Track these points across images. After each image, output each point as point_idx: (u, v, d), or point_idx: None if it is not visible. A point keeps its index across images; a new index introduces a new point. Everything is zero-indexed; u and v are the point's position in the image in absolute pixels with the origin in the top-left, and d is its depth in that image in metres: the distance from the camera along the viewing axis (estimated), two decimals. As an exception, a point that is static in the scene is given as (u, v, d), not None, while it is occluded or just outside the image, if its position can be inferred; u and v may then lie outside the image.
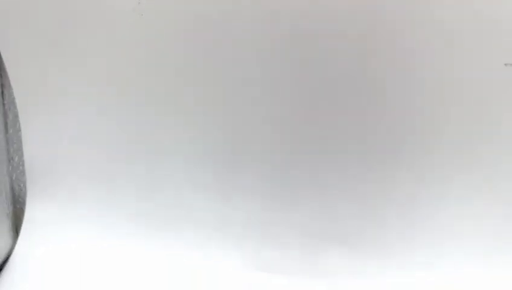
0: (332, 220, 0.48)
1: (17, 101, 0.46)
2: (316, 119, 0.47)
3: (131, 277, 0.47)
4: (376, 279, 0.48)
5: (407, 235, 0.49)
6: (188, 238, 0.50)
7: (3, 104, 0.47)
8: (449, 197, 0.48)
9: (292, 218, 0.49)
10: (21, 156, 0.49)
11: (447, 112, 0.44)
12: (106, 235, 0.50)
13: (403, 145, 0.46)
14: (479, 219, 0.48)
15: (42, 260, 0.48)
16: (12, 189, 0.50)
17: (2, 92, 0.47)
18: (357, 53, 0.44)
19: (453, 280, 0.48)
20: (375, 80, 0.45)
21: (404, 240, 0.49)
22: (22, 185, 0.51)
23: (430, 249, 0.49)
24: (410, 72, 0.44)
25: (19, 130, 0.48)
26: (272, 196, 0.49)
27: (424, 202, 0.48)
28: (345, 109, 0.46)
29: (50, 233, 0.49)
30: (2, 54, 0.44)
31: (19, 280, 0.47)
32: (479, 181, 0.47)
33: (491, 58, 0.40)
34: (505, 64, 0.40)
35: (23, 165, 0.49)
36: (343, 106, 0.46)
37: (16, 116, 0.47)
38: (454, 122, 0.44)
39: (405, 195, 0.48)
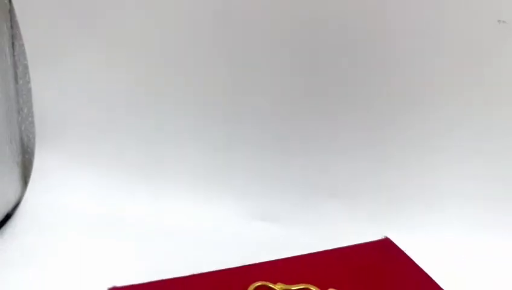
0: (328, 173, 0.50)
1: (27, 52, 0.48)
2: (316, 76, 0.48)
3: (134, 225, 0.49)
4: (368, 231, 0.50)
5: (401, 191, 0.51)
6: (189, 190, 0.52)
7: (13, 55, 0.48)
8: (447, 156, 0.50)
9: (289, 171, 0.51)
10: (30, 107, 0.51)
11: (443, 66, 0.46)
12: (111, 186, 0.52)
13: (399, 102, 0.48)
14: (478, 178, 0.50)
15: (50, 207, 0.50)
16: (21, 139, 0.52)
17: (13, 44, 0.48)
18: (355, 14, 0.45)
19: (449, 240, 0.50)
20: (371, 38, 0.46)
21: (399, 196, 0.51)
22: (30, 135, 0.52)
23: (426, 208, 0.51)
24: (405, 28, 0.45)
25: (29, 81, 0.49)
26: (271, 151, 0.51)
27: (421, 159, 0.50)
28: (344, 70, 0.48)
29: (58, 182, 0.51)
30: (13, 5, 0.46)
31: (28, 226, 0.49)
32: (478, 138, 0.49)
33: (486, 14, 0.42)
34: (498, 21, 0.42)
35: (32, 116, 0.51)
36: (343, 66, 0.48)
37: (26, 67, 0.49)
38: (450, 77, 0.46)
39: (400, 153, 0.50)
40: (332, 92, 0.49)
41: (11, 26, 0.47)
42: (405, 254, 0.34)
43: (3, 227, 0.47)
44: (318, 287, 0.28)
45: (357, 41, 0.46)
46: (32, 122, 0.51)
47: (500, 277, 0.47)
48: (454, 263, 0.47)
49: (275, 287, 0.28)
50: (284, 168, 0.50)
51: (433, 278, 0.32)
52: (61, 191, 0.51)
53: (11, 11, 0.46)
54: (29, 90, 0.50)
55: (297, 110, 0.49)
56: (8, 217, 0.49)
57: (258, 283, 0.28)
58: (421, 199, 0.52)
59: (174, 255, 0.44)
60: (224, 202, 0.51)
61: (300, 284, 0.29)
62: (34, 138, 0.52)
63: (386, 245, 0.35)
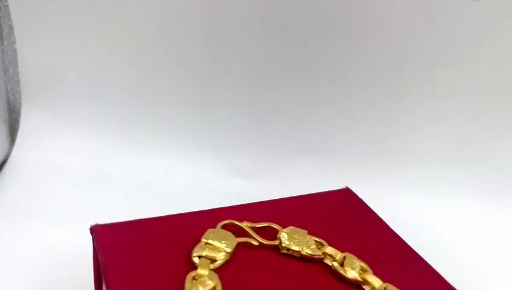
0: (300, 132, 0.54)
1: (12, 13, 0.49)
2: (290, 41, 0.51)
3: (116, 179, 0.52)
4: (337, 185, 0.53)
5: (369, 148, 0.55)
6: (171, 147, 0.55)
7: (-1, 16, 0.50)
8: (415, 116, 0.53)
9: (264, 132, 0.54)
10: (16, 68, 0.53)
11: (416, 33, 0.49)
12: (95, 142, 0.54)
13: (370, 62, 0.51)
14: (444, 139, 0.53)
15: (36, 163, 0.53)
16: (7, 99, 0.54)
17: (-2, 5, 0.49)
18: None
19: (412, 198, 0.54)
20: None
21: (367, 153, 0.55)
22: (16, 95, 0.54)
23: (393, 166, 0.55)
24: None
25: (14, 42, 0.51)
26: (247, 111, 0.54)
27: (389, 119, 0.54)
28: (316, 34, 0.50)
29: (44, 139, 0.54)
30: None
31: (15, 181, 0.52)
32: (446, 100, 0.52)
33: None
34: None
35: (17, 76, 0.53)
36: (315, 30, 0.50)
37: (11, 28, 0.50)
38: (422, 42, 0.49)
39: (370, 112, 0.53)
40: (304, 54, 0.51)
41: (-4, -13, 0.49)
42: (363, 202, 0.38)
43: (-8, 182, 0.50)
44: (280, 225, 0.32)
45: (330, 6, 0.49)
46: (18, 82, 0.53)
47: (452, 232, 0.51)
48: (413, 218, 0.51)
49: (241, 225, 0.31)
50: (259, 128, 0.53)
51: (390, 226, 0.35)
52: (47, 148, 0.53)
53: (-5, -28, 0.48)
54: (14, 51, 0.51)
55: (273, 72, 0.52)
56: (-4, 172, 0.51)
57: (226, 221, 0.31)
58: (388, 157, 0.55)
59: (154, 205, 0.46)
60: (203, 159, 0.54)
61: (264, 223, 0.32)
62: (20, 98, 0.54)
63: (346, 194, 0.38)
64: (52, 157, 0.52)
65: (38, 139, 0.53)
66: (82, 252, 0.38)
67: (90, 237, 0.32)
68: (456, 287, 0.29)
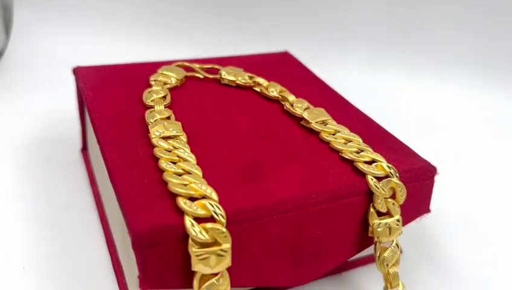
0: (260, 20, 0.61)
1: None
2: None
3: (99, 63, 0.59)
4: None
5: (316, 33, 0.62)
6: (141, 35, 0.63)
7: None
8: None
9: (226, 19, 0.61)
10: (6, -32, 0.59)
11: None
12: (78, 33, 0.62)
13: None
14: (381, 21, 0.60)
15: (29, 53, 0.61)
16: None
17: None
18: None
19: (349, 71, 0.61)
20: None
21: (312, 37, 0.62)
22: (8, -5, 0.61)
23: (337, 46, 0.62)
24: None
25: None
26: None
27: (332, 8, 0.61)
28: None
29: (35, 32, 0.61)
30: None
31: (12, 67, 0.59)
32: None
33: None
34: None
35: (8, -24, 0.60)
36: None
37: None
38: None
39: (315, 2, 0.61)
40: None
41: None
42: (299, 61, 0.46)
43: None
44: (222, 66, 0.40)
45: None
46: (8, -18, 0.60)
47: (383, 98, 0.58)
48: (351, 87, 0.57)
49: (190, 65, 0.39)
50: (222, 16, 0.61)
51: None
52: (38, 40, 0.61)
53: None
54: (3, -48, 0.58)
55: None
56: (-5, 61, 0.59)
57: (179, 63, 0.40)
58: (337, 41, 0.63)
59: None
60: (171, 46, 0.61)
61: (210, 64, 0.40)
62: (12, -3, 0.61)
63: (285, 55, 0.46)
64: (43, 47, 0.60)
65: (30, 32, 0.61)
66: (69, 112, 0.46)
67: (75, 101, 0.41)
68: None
